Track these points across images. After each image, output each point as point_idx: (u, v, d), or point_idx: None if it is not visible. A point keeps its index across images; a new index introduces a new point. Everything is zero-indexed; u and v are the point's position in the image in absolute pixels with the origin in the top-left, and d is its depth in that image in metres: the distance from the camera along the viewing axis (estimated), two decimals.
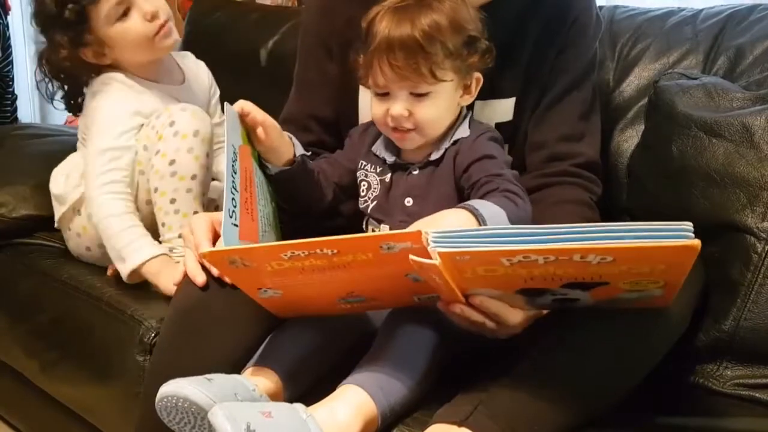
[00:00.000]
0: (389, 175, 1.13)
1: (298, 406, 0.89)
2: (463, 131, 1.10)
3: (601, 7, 1.37)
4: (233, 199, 0.98)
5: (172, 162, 1.35)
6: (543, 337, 0.94)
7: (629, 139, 1.39)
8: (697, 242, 0.74)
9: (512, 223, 0.97)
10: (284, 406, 0.89)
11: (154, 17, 1.43)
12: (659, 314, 0.93)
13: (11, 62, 2.63)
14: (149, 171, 1.38)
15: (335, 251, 0.85)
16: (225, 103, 1.05)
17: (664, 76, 1.32)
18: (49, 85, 1.51)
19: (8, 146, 1.82)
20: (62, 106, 1.58)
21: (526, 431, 0.88)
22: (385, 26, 1.03)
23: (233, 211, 0.97)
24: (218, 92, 1.65)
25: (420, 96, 1.05)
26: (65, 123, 2.65)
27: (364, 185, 1.16)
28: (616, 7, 1.57)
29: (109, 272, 1.46)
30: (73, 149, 1.58)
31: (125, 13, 1.42)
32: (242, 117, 1.05)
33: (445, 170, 1.09)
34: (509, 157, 1.14)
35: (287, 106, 1.30)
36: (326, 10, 1.24)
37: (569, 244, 0.76)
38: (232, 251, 0.89)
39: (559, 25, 1.18)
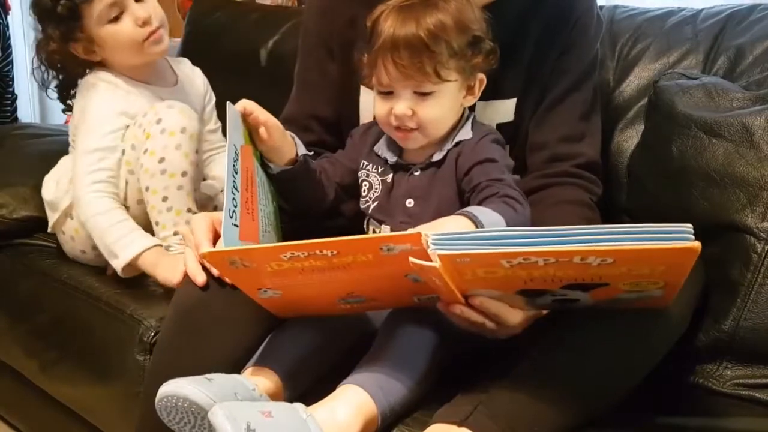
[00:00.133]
0: (391, 176, 1.13)
1: (298, 406, 0.89)
2: (466, 133, 1.10)
3: (601, 7, 1.36)
4: (234, 199, 0.98)
5: (161, 160, 1.35)
6: (543, 337, 0.94)
7: (629, 139, 1.39)
8: (697, 244, 0.74)
9: None
10: (284, 406, 0.89)
11: (145, 23, 1.43)
12: (659, 314, 0.93)
13: (11, 62, 2.63)
14: (139, 170, 1.38)
15: (335, 252, 0.85)
16: (227, 102, 1.05)
17: (664, 76, 1.32)
18: (45, 74, 1.52)
19: (8, 146, 1.82)
20: (58, 102, 1.58)
21: (526, 431, 0.88)
22: (390, 25, 1.02)
23: (234, 211, 0.97)
24: (214, 99, 1.64)
25: (424, 95, 1.05)
26: (65, 123, 2.64)
27: (365, 185, 1.16)
28: (616, 7, 1.57)
29: (109, 272, 1.46)
30: None
31: (118, 16, 1.42)
32: (245, 116, 1.05)
33: (446, 172, 1.09)
34: (511, 160, 1.14)
35: (288, 106, 1.30)
36: (327, 10, 1.24)
37: (569, 247, 0.76)
38: (232, 252, 0.89)
39: (561, 25, 1.18)
